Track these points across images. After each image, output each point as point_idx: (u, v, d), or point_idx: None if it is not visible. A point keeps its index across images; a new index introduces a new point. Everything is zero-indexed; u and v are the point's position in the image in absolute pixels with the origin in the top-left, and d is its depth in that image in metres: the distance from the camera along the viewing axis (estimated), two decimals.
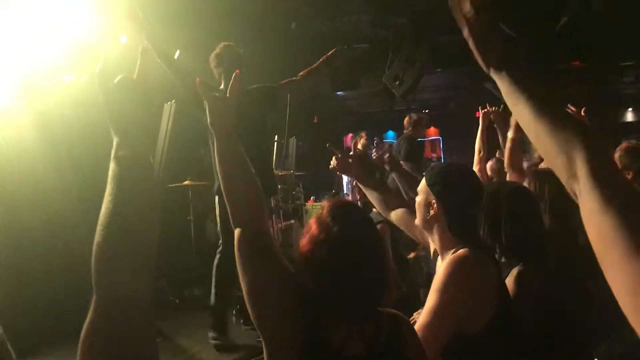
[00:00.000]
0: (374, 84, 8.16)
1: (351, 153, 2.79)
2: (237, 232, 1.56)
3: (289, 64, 4.80)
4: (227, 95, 1.69)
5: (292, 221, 8.15)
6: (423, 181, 2.11)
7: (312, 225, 1.49)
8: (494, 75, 1.08)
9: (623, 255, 0.76)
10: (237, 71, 1.76)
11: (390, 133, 15.77)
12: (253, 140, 4.29)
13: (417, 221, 2.15)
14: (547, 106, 0.95)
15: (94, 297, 1.01)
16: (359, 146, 6.12)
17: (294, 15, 6.28)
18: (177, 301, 5.87)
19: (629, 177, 2.84)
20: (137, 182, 1.11)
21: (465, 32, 1.11)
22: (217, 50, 4.21)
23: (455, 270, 1.84)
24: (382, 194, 2.71)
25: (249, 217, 1.57)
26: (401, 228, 2.56)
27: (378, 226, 4.21)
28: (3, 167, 4.27)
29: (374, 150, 4.26)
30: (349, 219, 1.48)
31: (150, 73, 1.24)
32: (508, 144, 3.42)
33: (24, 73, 4.16)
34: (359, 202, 5.31)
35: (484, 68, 1.10)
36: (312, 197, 9.56)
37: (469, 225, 2.04)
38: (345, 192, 10.13)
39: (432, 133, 15.41)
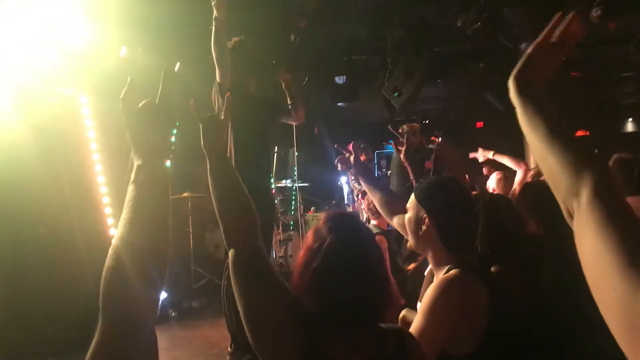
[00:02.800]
0: (374, 95, 8.17)
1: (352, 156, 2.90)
2: (231, 253, 1.53)
3: (290, 71, 4.83)
4: (221, 118, 1.70)
5: (292, 232, 8.15)
6: (412, 197, 2.10)
7: (308, 235, 1.47)
8: (517, 94, 1.10)
9: (615, 267, 0.76)
10: (228, 94, 1.77)
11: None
12: (257, 148, 4.32)
13: (410, 241, 2.13)
14: (561, 128, 1.00)
15: (100, 320, 1.01)
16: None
17: (293, 27, 6.30)
18: (174, 314, 5.84)
19: None
20: (154, 207, 1.13)
21: (531, 48, 1.16)
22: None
23: (443, 293, 1.83)
24: (386, 196, 2.70)
25: (242, 238, 1.55)
26: (403, 234, 2.53)
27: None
28: (0, 180, 4.27)
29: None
30: (346, 228, 1.45)
31: (172, 98, 1.26)
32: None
33: (20, 85, 4.17)
34: (364, 212, 5.31)
35: (512, 85, 1.12)
36: (312, 208, 9.53)
37: (462, 238, 2.03)
38: (346, 203, 10.10)
39: None
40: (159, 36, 4.86)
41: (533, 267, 2.22)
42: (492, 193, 3.10)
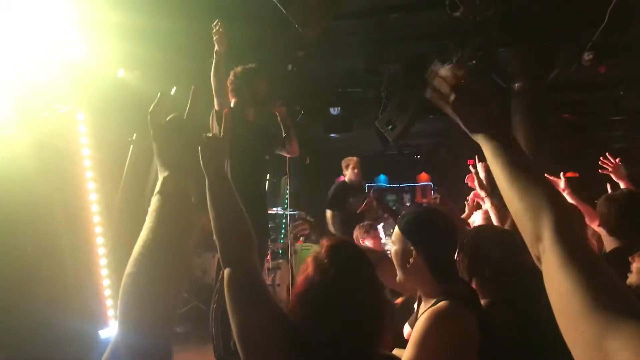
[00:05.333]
0: (366, 127, 8.26)
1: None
2: (227, 271, 1.52)
3: (286, 104, 4.89)
4: (221, 135, 1.70)
5: (280, 261, 8.11)
6: (397, 230, 2.09)
7: (308, 264, 1.47)
8: (475, 137, 1.12)
9: (580, 311, 0.77)
10: (226, 110, 1.78)
11: (382, 177, 15.91)
12: (252, 175, 4.35)
13: (399, 275, 2.11)
14: (519, 171, 0.99)
15: (118, 328, 1.02)
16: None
17: (291, 57, 6.39)
18: None
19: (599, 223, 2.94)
20: (178, 217, 1.13)
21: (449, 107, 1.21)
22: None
23: (434, 325, 1.82)
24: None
25: (239, 256, 1.54)
26: None
27: None
28: None
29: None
30: (347, 260, 1.46)
31: (199, 114, 1.28)
32: (494, 211, 3.37)
33: (17, 100, 4.16)
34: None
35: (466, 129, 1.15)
36: (301, 238, 9.49)
37: (450, 268, 2.04)
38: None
39: (424, 179, 15.52)
40: (158, 56, 4.90)
41: (527, 298, 2.22)
42: (494, 226, 3.12)
